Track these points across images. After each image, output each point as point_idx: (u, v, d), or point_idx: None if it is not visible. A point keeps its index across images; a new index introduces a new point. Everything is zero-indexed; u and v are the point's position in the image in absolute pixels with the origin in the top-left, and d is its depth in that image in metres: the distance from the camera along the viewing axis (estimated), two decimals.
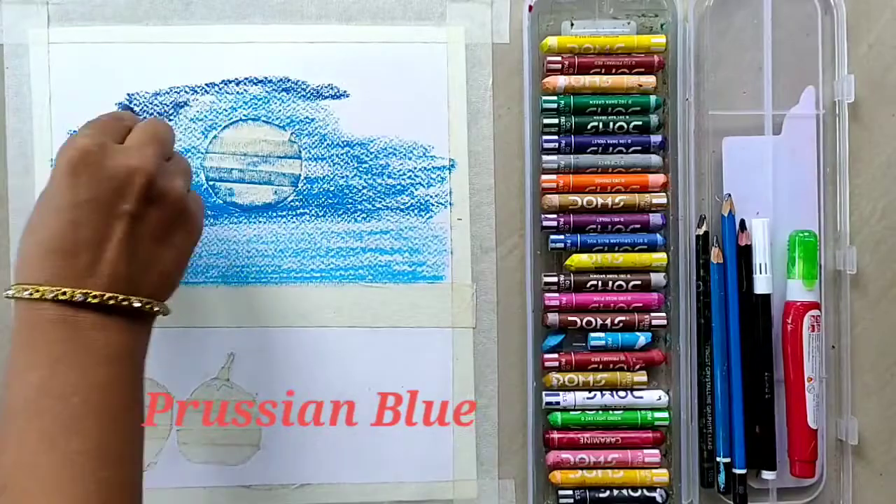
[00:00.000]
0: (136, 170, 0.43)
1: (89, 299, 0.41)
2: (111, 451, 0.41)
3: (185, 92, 0.58)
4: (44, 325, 0.41)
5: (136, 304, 0.43)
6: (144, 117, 0.57)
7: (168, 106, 0.58)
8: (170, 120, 0.57)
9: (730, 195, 0.57)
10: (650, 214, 0.57)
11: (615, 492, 0.57)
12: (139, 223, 0.43)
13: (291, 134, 0.58)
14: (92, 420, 0.40)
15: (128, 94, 0.57)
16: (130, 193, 0.43)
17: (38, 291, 0.41)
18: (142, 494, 0.43)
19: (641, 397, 0.57)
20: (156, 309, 0.44)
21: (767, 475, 0.57)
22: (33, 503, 0.38)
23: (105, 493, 0.40)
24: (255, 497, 0.57)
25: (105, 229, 0.42)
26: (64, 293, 0.41)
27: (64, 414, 0.40)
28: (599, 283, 0.57)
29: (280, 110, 0.58)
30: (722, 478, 0.57)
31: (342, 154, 0.58)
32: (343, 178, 0.58)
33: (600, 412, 0.57)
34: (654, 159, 0.57)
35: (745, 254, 0.57)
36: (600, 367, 0.57)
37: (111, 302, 0.42)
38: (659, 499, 0.57)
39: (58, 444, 0.39)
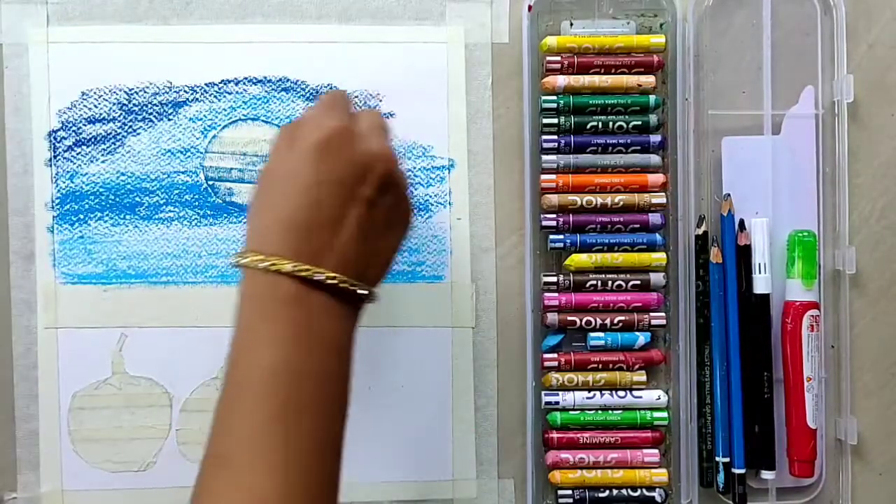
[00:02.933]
0: (378, 156, 0.43)
1: (326, 279, 0.40)
2: (330, 440, 0.40)
3: (185, 91, 0.58)
4: (278, 300, 0.40)
5: (361, 291, 0.42)
6: (144, 117, 0.57)
7: (167, 105, 0.58)
8: (168, 120, 0.58)
9: (729, 195, 0.58)
10: (649, 214, 0.57)
11: (614, 491, 0.57)
12: (373, 209, 0.43)
13: None
14: (320, 403, 0.40)
15: (127, 94, 0.57)
16: (371, 179, 0.43)
17: (276, 264, 0.40)
18: (339, 492, 0.41)
19: (641, 397, 0.57)
20: (374, 298, 0.44)
21: (766, 475, 0.57)
22: (257, 481, 0.37)
23: (319, 478, 0.39)
24: None
25: (343, 212, 0.42)
26: (305, 269, 0.40)
27: (295, 397, 0.39)
28: (599, 282, 0.57)
29: (279, 110, 0.58)
30: (721, 477, 0.57)
31: None
32: None
33: (600, 412, 0.57)
34: (654, 159, 0.57)
35: (744, 253, 0.57)
36: (600, 366, 0.57)
37: (342, 285, 0.41)
38: (658, 498, 0.57)
39: (287, 427, 0.38)
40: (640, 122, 0.57)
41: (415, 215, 0.48)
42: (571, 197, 0.57)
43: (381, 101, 0.58)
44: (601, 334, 0.57)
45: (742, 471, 0.57)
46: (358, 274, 0.42)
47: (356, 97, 0.58)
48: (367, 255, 0.43)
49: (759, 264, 0.57)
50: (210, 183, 0.58)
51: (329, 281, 0.40)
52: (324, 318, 0.41)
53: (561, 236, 0.57)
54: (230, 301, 0.57)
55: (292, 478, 0.38)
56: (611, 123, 0.57)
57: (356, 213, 0.42)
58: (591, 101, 0.57)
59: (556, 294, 0.57)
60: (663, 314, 0.57)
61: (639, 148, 0.57)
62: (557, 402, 0.57)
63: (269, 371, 0.39)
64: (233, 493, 0.37)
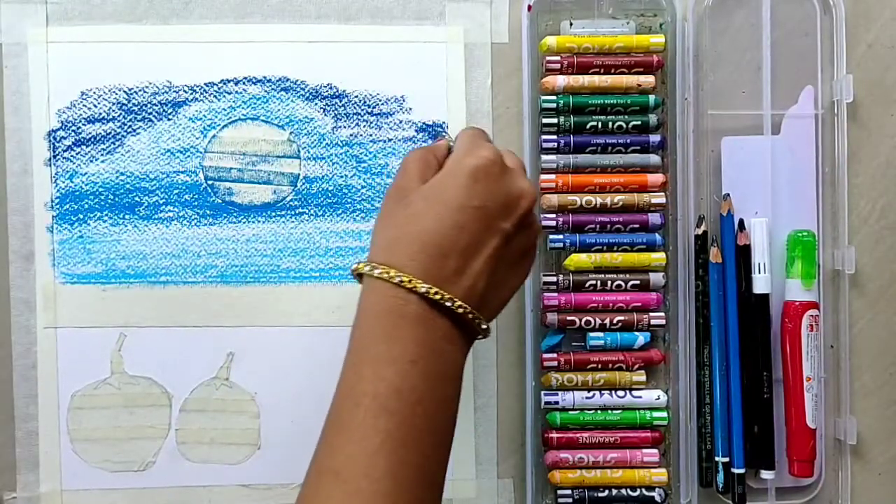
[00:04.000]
0: (524, 193, 0.44)
1: (455, 307, 0.40)
2: (436, 468, 0.40)
3: (184, 91, 0.58)
4: (405, 318, 0.40)
5: (483, 326, 0.42)
6: (144, 117, 0.57)
7: (167, 105, 0.58)
8: (168, 120, 0.58)
9: (728, 195, 0.58)
10: (649, 214, 0.57)
11: (614, 491, 0.57)
12: (508, 244, 0.43)
13: (290, 133, 0.58)
14: (430, 434, 0.40)
15: (126, 94, 0.57)
16: (513, 214, 0.43)
17: (411, 281, 0.40)
18: None
19: (640, 397, 0.57)
20: (488, 333, 0.43)
21: (766, 475, 0.57)
22: (363, 501, 0.37)
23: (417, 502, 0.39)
24: (254, 496, 0.57)
25: (481, 242, 0.42)
26: (437, 292, 0.40)
27: (410, 421, 0.39)
28: (598, 282, 0.57)
29: (279, 110, 0.58)
30: (721, 477, 0.57)
31: (341, 153, 0.58)
32: (342, 177, 0.58)
33: (599, 412, 0.57)
34: (653, 159, 0.57)
35: (743, 253, 0.57)
36: (599, 366, 0.57)
37: (469, 315, 0.41)
38: (658, 498, 0.57)
39: (399, 451, 0.38)
40: (639, 122, 0.57)
41: (536, 256, 0.48)
42: (571, 197, 0.57)
43: (380, 100, 0.58)
44: (601, 334, 0.57)
45: (741, 470, 0.57)
46: (481, 307, 0.42)
47: (355, 97, 0.58)
48: (493, 289, 0.43)
49: (759, 264, 0.57)
50: (209, 183, 0.58)
51: (459, 309, 0.40)
52: (445, 343, 0.41)
53: (560, 236, 0.57)
54: (229, 301, 0.57)
55: (401, 496, 0.38)
56: (610, 123, 0.57)
57: (493, 245, 0.42)
58: (590, 101, 0.57)
59: (555, 294, 0.57)
60: (663, 314, 0.57)
61: (638, 148, 0.57)
62: (557, 402, 0.57)
63: (388, 389, 0.39)
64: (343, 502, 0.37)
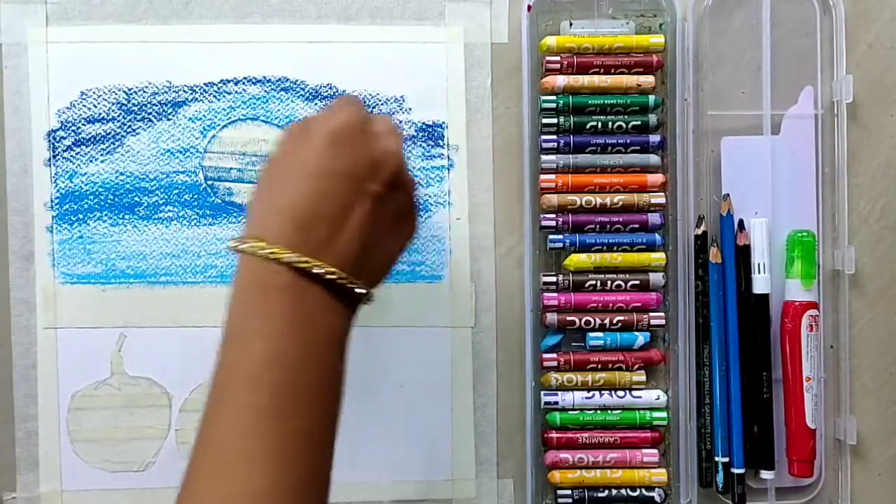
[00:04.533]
0: (390, 153, 0.43)
1: (324, 274, 0.40)
2: (321, 436, 0.40)
3: (184, 91, 0.58)
4: (274, 290, 0.39)
5: (359, 290, 0.42)
6: (144, 117, 0.57)
7: (167, 105, 0.58)
8: (168, 120, 0.57)
9: (728, 195, 0.58)
10: (649, 214, 0.57)
11: (614, 491, 0.57)
12: (380, 207, 0.42)
13: None
14: (312, 398, 0.39)
15: (126, 94, 0.57)
16: (381, 175, 0.42)
17: (276, 253, 0.39)
18: (329, 489, 0.41)
19: (640, 397, 0.57)
20: (370, 298, 0.43)
21: (766, 475, 0.57)
22: (249, 472, 0.37)
23: (312, 475, 0.39)
24: None
25: (349, 206, 0.41)
26: (304, 261, 0.39)
27: (288, 389, 0.38)
28: (598, 282, 0.57)
29: (279, 110, 0.58)
30: (720, 477, 0.57)
31: None
32: None
33: (599, 412, 0.57)
34: (653, 159, 0.57)
35: (743, 253, 0.57)
36: (599, 366, 0.57)
37: (340, 281, 0.40)
38: (657, 498, 0.57)
39: (280, 419, 0.38)
40: (639, 122, 0.57)
41: (420, 220, 0.47)
42: (571, 197, 0.57)
43: (380, 100, 0.58)
44: (600, 334, 0.57)
45: (741, 471, 0.57)
46: (357, 272, 0.41)
47: (355, 97, 0.58)
48: (369, 254, 0.42)
49: (759, 264, 0.57)
50: (209, 183, 0.58)
51: (328, 276, 0.40)
52: (319, 312, 0.40)
53: (560, 236, 0.57)
54: None
55: (283, 470, 0.37)
56: (610, 123, 0.57)
57: (362, 208, 0.41)
58: (590, 101, 0.57)
59: (555, 294, 0.57)
60: (662, 314, 0.57)
61: (638, 148, 0.57)
62: (557, 402, 0.57)
63: (261, 361, 0.38)
64: (224, 484, 0.37)
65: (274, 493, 0.37)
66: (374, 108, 0.58)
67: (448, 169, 0.58)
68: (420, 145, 0.58)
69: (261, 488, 0.37)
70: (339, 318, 0.42)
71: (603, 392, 0.57)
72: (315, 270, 0.40)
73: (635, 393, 0.57)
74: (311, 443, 0.39)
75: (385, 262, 0.45)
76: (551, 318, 0.57)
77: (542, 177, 0.57)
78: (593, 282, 0.57)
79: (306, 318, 0.40)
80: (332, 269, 0.40)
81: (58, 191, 0.57)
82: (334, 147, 0.41)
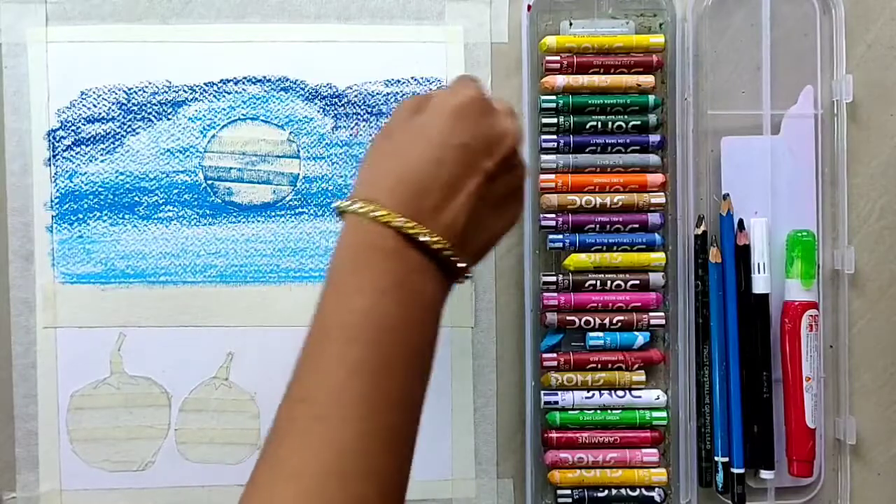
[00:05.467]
0: (508, 133, 0.43)
1: (431, 243, 0.40)
2: (410, 395, 0.40)
3: (184, 91, 0.58)
4: (379, 251, 0.40)
5: (461, 264, 0.42)
6: (144, 117, 0.57)
7: (166, 105, 0.57)
8: (168, 119, 0.57)
9: (728, 195, 0.58)
10: (649, 214, 0.57)
11: (613, 491, 0.57)
12: (490, 184, 0.42)
13: (290, 133, 0.58)
14: (405, 360, 0.39)
15: (126, 93, 0.57)
16: (497, 153, 0.42)
17: (385, 216, 0.39)
18: (413, 449, 0.41)
19: (640, 397, 0.57)
20: (468, 274, 0.43)
21: (765, 474, 0.57)
22: (339, 426, 0.37)
23: (400, 438, 0.39)
24: None
25: (462, 179, 0.41)
26: (413, 227, 0.39)
27: (382, 349, 0.38)
28: (598, 282, 0.57)
29: (279, 109, 0.58)
30: (720, 477, 0.57)
31: (340, 153, 0.58)
32: (341, 177, 0.58)
33: (599, 412, 0.57)
34: (653, 159, 0.57)
35: (743, 253, 0.57)
36: (599, 366, 0.57)
37: (445, 252, 0.40)
38: (657, 498, 0.57)
39: (372, 376, 0.38)
40: (639, 122, 0.57)
41: (525, 203, 0.47)
42: (571, 197, 0.57)
43: (380, 100, 0.58)
44: (600, 334, 0.57)
45: (741, 470, 0.57)
46: (461, 246, 0.42)
47: (355, 97, 0.58)
48: (474, 229, 0.42)
49: (758, 264, 0.57)
50: (209, 182, 0.58)
51: (434, 245, 0.40)
52: (420, 278, 0.40)
53: (560, 236, 0.57)
54: (229, 301, 0.57)
55: (371, 425, 0.37)
56: (610, 123, 0.57)
57: (475, 183, 0.42)
58: (590, 101, 0.57)
59: (555, 294, 0.57)
60: (662, 314, 0.57)
61: (638, 148, 0.57)
62: (556, 402, 0.57)
63: (357, 318, 0.39)
64: (313, 435, 0.37)
65: (360, 447, 0.37)
66: (373, 107, 0.58)
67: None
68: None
69: (347, 440, 0.37)
70: (438, 288, 0.41)
71: (603, 392, 0.57)
72: (422, 238, 0.40)
73: (635, 393, 0.57)
74: (400, 402, 0.39)
75: (487, 239, 0.44)
76: (551, 317, 0.57)
77: (542, 177, 0.57)
78: (593, 282, 0.57)
79: (407, 282, 0.40)
80: (438, 239, 0.40)
81: (58, 190, 0.57)
82: (457, 120, 0.42)
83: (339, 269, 0.41)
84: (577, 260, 0.57)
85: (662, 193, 0.57)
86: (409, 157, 0.41)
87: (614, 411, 0.57)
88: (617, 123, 0.57)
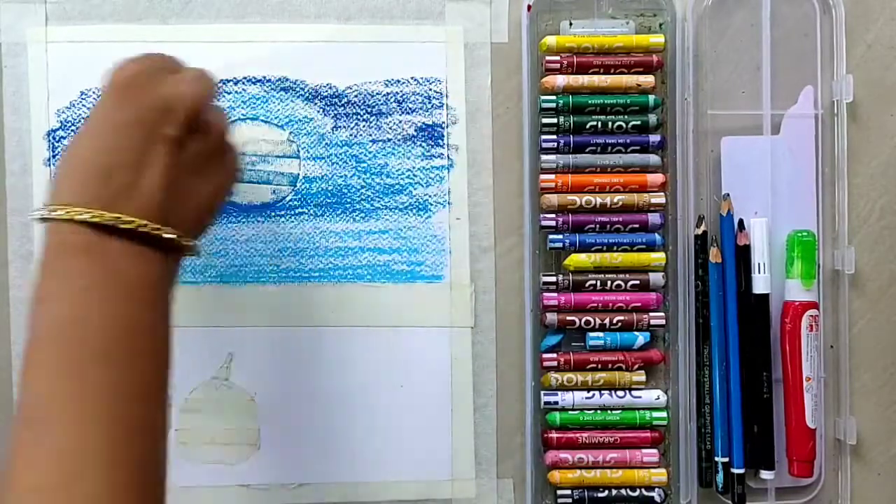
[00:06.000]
0: (183, 95, 0.42)
1: (121, 224, 0.39)
2: (137, 386, 0.39)
3: None
4: (72, 250, 0.39)
5: (168, 235, 0.41)
6: None
7: None
8: None
9: (728, 195, 0.58)
10: (649, 214, 0.57)
11: (613, 491, 0.57)
12: (181, 150, 0.42)
13: (290, 133, 0.58)
14: (119, 352, 0.39)
15: None
16: (175, 118, 0.41)
17: (68, 212, 0.39)
18: (167, 438, 0.40)
19: (640, 397, 0.57)
20: (186, 243, 0.42)
21: (766, 475, 0.57)
22: (57, 435, 0.37)
23: (127, 428, 0.38)
24: (254, 496, 0.57)
25: (145, 154, 0.40)
26: (96, 216, 0.39)
27: (91, 344, 0.38)
28: (598, 282, 0.57)
29: (279, 110, 0.58)
30: (720, 477, 0.57)
31: (340, 153, 0.58)
32: (342, 177, 0.58)
33: (599, 412, 0.57)
34: (653, 159, 0.57)
35: (743, 253, 0.57)
36: (599, 366, 0.57)
37: (142, 230, 0.40)
38: (657, 498, 0.57)
39: (84, 374, 0.38)
40: (639, 122, 0.57)
41: (240, 164, 0.46)
42: (571, 197, 0.57)
43: (380, 100, 0.58)
44: (600, 334, 0.57)
45: (741, 471, 0.57)
46: (164, 219, 0.41)
47: (355, 97, 0.58)
48: (176, 199, 0.41)
49: (759, 264, 0.57)
50: None
51: (125, 226, 0.39)
52: (124, 265, 0.40)
53: (560, 236, 0.57)
54: (229, 301, 0.57)
55: (93, 430, 0.37)
56: (610, 123, 0.57)
57: (161, 153, 0.41)
58: (590, 101, 0.57)
59: (555, 294, 0.57)
60: (662, 314, 0.57)
61: (638, 148, 0.57)
62: (556, 402, 0.57)
63: (61, 322, 0.38)
64: (35, 450, 0.37)
65: (82, 452, 0.36)
66: (374, 107, 0.58)
67: (448, 169, 0.58)
68: (420, 145, 0.58)
69: (68, 448, 0.36)
70: (152, 267, 0.41)
71: (603, 392, 0.57)
72: (107, 222, 0.39)
73: (635, 393, 0.57)
74: (123, 398, 0.38)
75: (199, 206, 0.44)
76: (551, 318, 0.57)
77: (542, 177, 0.57)
78: (593, 282, 0.57)
79: (108, 272, 0.39)
80: (131, 219, 0.39)
81: None
82: (119, 98, 0.41)
83: (41, 277, 0.40)
84: (577, 260, 0.57)
85: (662, 193, 0.57)
86: (85, 146, 0.41)
87: (614, 411, 0.57)
88: (617, 123, 0.57)
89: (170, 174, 0.41)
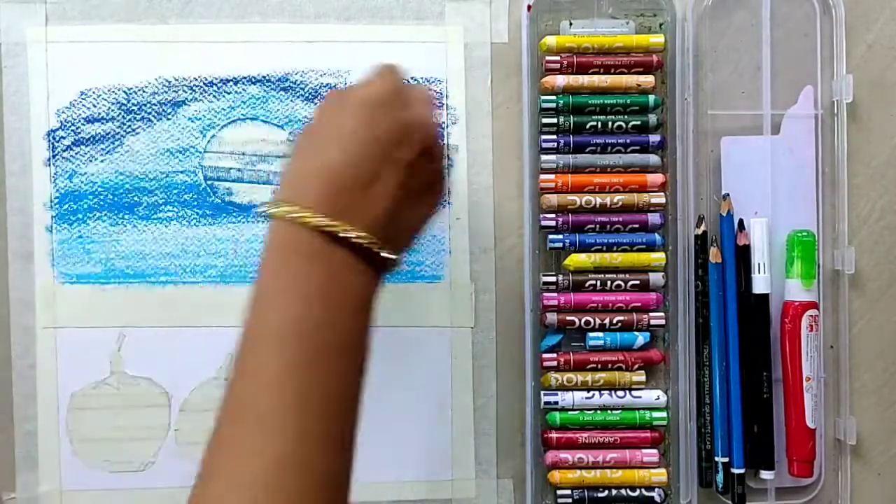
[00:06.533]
0: (423, 123, 0.43)
1: (353, 238, 0.40)
2: (345, 394, 0.40)
3: (184, 91, 0.57)
4: (303, 254, 0.40)
5: (385, 255, 0.42)
6: (143, 117, 0.57)
7: (166, 105, 0.57)
8: (167, 119, 0.57)
9: (728, 195, 0.58)
10: (649, 214, 0.57)
11: (613, 491, 0.57)
12: (410, 175, 0.43)
13: (290, 133, 0.58)
14: (335, 361, 0.40)
15: (126, 93, 0.57)
16: (413, 143, 0.42)
17: (304, 217, 0.40)
18: (354, 449, 0.41)
19: (640, 397, 0.57)
20: (396, 264, 0.43)
21: (766, 475, 0.57)
22: (272, 427, 0.37)
23: (333, 432, 0.39)
24: None
25: (380, 172, 0.41)
26: (332, 225, 0.40)
27: (311, 350, 0.39)
28: (598, 282, 0.57)
29: (278, 110, 0.58)
30: (720, 477, 0.57)
31: None
32: None
33: (599, 412, 0.57)
34: (653, 159, 0.57)
35: (743, 253, 0.57)
36: (599, 366, 0.57)
37: (368, 245, 0.41)
38: (657, 498, 0.57)
39: (302, 378, 0.38)
40: (639, 122, 0.57)
41: (447, 186, 0.48)
42: (570, 197, 0.57)
43: None
44: (600, 334, 0.57)
45: (741, 471, 0.57)
46: (384, 237, 0.42)
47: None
48: (397, 219, 0.43)
49: (759, 264, 0.57)
50: (209, 182, 0.58)
51: (355, 240, 0.40)
52: (345, 275, 0.41)
53: (560, 236, 0.57)
54: (229, 301, 0.57)
55: (308, 425, 0.38)
56: (610, 123, 0.57)
57: (394, 174, 0.42)
58: (590, 101, 0.57)
59: (555, 294, 0.57)
60: (662, 314, 0.57)
61: (638, 148, 0.57)
62: (556, 402, 0.57)
63: (286, 322, 0.39)
64: (248, 438, 0.37)
65: (295, 447, 0.37)
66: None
67: (448, 169, 0.58)
68: None
69: (282, 442, 0.37)
70: (366, 281, 0.42)
71: (603, 392, 0.57)
72: (342, 234, 0.40)
73: (635, 393, 0.57)
74: (333, 400, 0.39)
75: (412, 227, 0.45)
76: (551, 317, 0.57)
77: (542, 177, 0.57)
78: (593, 282, 0.57)
79: (332, 281, 0.40)
80: (360, 234, 0.40)
81: (57, 190, 0.57)
82: (368, 113, 0.42)
83: (266, 275, 0.41)
84: (577, 260, 0.57)
85: (662, 193, 0.57)
86: (325, 154, 0.41)
87: (614, 411, 0.57)
88: (617, 123, 0.57)
89: (397, 196, 0.42)
